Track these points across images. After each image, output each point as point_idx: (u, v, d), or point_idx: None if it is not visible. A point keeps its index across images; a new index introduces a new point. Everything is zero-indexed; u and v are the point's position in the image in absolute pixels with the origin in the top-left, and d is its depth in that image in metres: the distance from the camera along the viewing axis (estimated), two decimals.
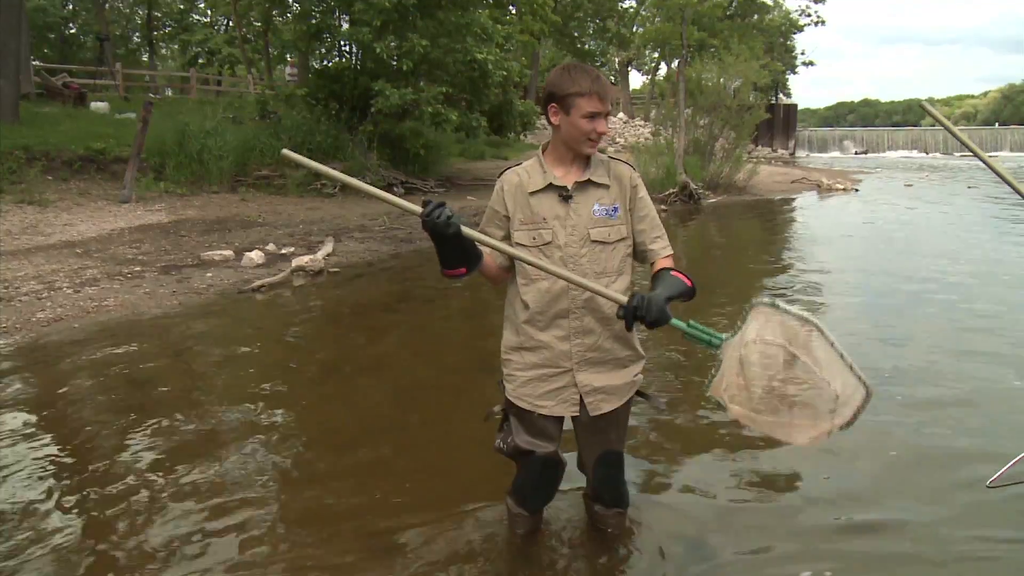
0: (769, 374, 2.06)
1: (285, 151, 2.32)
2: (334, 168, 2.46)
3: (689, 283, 2.34)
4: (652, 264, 2.51)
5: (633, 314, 2.16)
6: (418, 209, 2.20)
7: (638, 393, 2.65)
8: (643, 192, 2.53)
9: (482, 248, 2.38)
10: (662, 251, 2.50)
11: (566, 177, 2.44)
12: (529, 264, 2.36)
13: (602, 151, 2.57)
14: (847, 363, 2.02)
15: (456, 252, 2.29)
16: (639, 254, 2.54)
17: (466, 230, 2.23)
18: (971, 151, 2.80)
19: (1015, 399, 4.59)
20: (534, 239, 2.41)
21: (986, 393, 4.66)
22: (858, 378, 2.02)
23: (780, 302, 2.10)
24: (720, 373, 2.18)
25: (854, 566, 2.83)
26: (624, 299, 2.21)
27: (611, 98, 2.40)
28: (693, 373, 5.09)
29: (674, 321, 2.19)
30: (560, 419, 2.59)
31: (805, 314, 2.06)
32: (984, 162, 2.69)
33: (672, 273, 2.36)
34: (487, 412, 2.74)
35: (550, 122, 2.41)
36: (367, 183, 2.33)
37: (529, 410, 2.54)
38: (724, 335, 2.20)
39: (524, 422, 2.59)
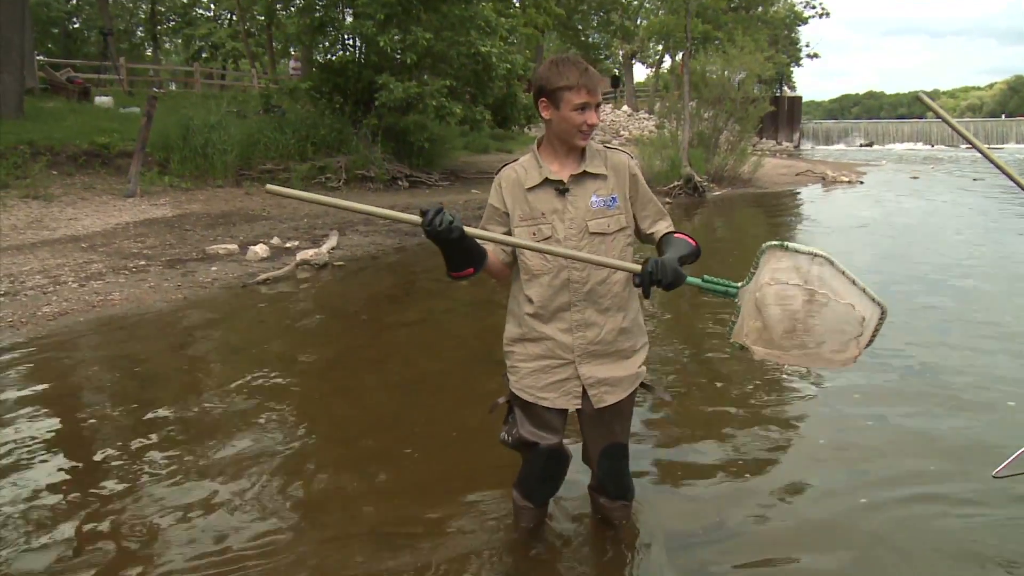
0: (790, 311, 2.14)
1: (269, 187, 2.26)
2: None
3: (694, 243, 2.37)
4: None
5: (650, 279, 2.17)
6: (417, 219, 2.16)
7: (642, 385, 2.64)
8: (641, 179, 2.53)
9: (486, 245, 2.38)
10: (668, 229, 2.50)
11: (562, 171, 2.44)
12: (536, 251, 2.36)
13: (606, 143, 2.57)
14: (860, 287, 2.13)
15: (462, 254, 2.27)
16: (646, 238, 2.54)
17: (468, 230, 2.22)
18: (968, 141, 2.79)
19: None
20: (534, 235, 2.41)
21: (993, 384, 4.66)
22: (872, 299, 2.13)
23: (789, 243, 2.17)
24: (740, 319, 2.25)
25: (860, 557, 2.83)
26: (637, 267, 2.22)
27: (601, 88, 2.39)
28: (697, 364, 5.09)
29: (690, 279, 2.22)
30: (564, 411, 2.59)
31: (813, 249, 2.14)
32: (981, 152, 2.68)
33: (676, 236, 2.39)
34: (492, 404, 2.74)
35: (542, 117, 2.41)
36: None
37: (532, 402, 2.55)
38: (739, 283, 2.25)
39: (528, 414, 2.59)
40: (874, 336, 2.17)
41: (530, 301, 2.48)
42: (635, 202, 2.50)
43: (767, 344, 2.21)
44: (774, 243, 2.18)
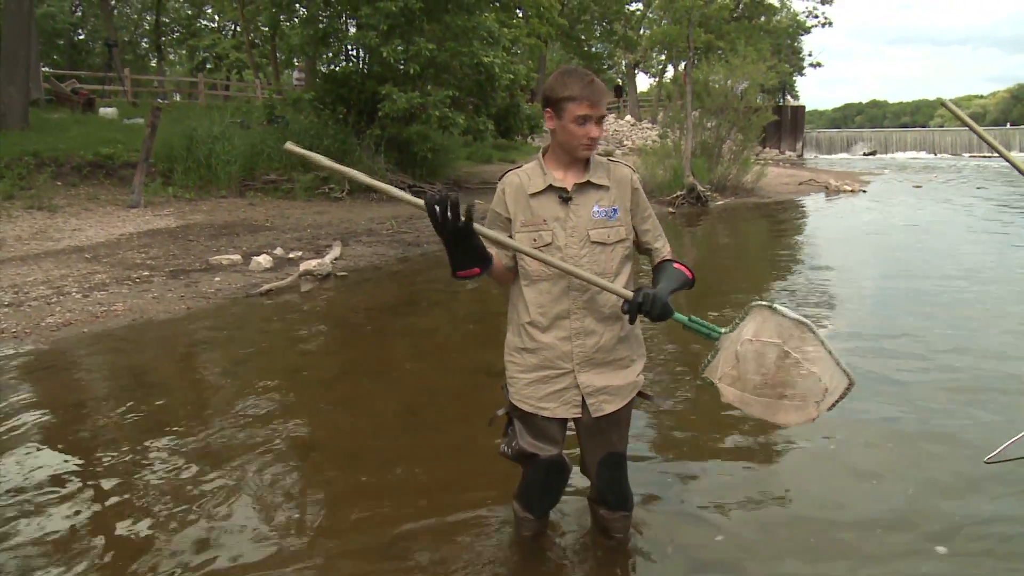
0: (763, 370, 2.24)
1: (288, 144, 2.21)
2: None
3: (690, 275, 2.48)
4: (653, 260, 2.60)
5: (638, 309, 2.26)
6: (421, 203, 2.15)
7: (639, 394, 2.65)
8: (643, 194, 2.56)
9: (491, 249, 2.38)
10: (664, 249, 2.58)
11: (566, 179, 2.45)
12: (537, 259, 2.36)
13: (609, 153, 2.58)
14: (835, 359, 2.22)
15: (468, 251, 2.25)
16: (644, 251, 2.60)
17: (477, 227, 2.22)
18: (993, 147, 2.81)
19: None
20: (534, 240, 2.41)
21: (992, 380, 4.83)
22: (843, 371, 2.22)
23: (778, 305, 2.26)
24: (716, 360, 2.36)
25: (860, 564, 2.82)
26: (630, 294, 2.30)
27: (605, 101, 2.40)
28: (694, 374, 5.08)
29: (676, 315, 2.31)
30: (564, 422, 2.59)
31: (799, 317, 2.23)
32: (1006, 158, 2.70)
33: (675, 266, 2.48)
34: (491, 417, 2.74)
35: (547, 126, 2.43)
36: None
37: (532, 412, 2.55)
38: (723, 329, 2.36)
39: (528, 425, 2.59)
40: (837, 403, 2.26)
41: (527, 309, 2.49)
42: (635, 215, 2.53)
43: (738, 390, 2.32)
44: (763, 303, 2.27)
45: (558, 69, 2.47)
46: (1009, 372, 5.00)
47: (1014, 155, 2.92)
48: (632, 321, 2.35)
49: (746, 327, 2.28)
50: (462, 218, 2.15)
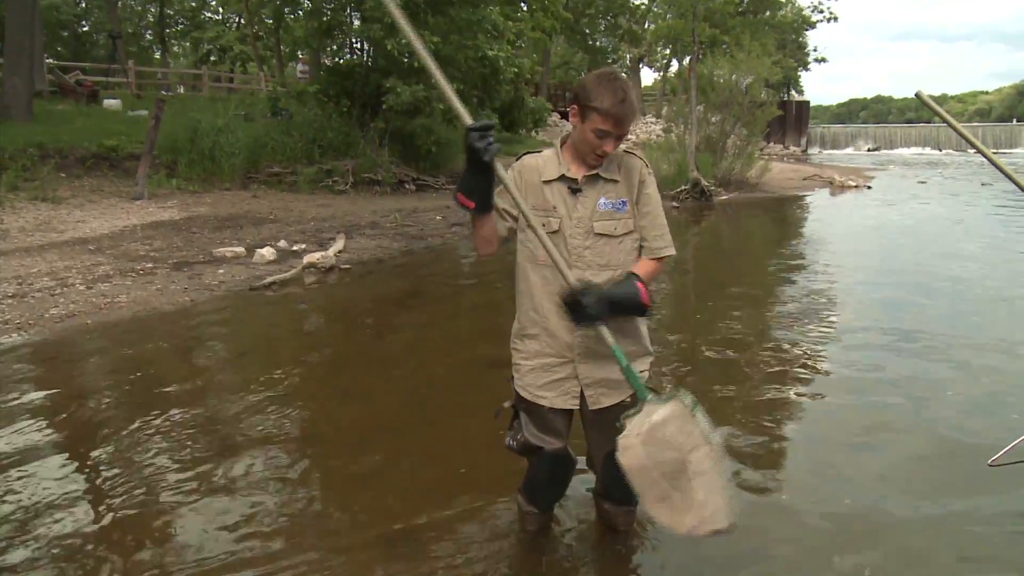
0: (661, 460, 2.17)
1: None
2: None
3: (646, 301, 2.35)
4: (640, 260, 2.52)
5: (572, 300, 2.24)
6: (468, 120, 2.22)
7: None
8: (651, 188, 2.51)
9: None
10: (656, 251, 2.50)
11: (578, 171, 2.45)
12: (528, 224, 2.36)
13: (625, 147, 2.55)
14: (726, 495, 2.18)
15: (479, 182, 2.25)
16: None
17: (499, 170, 2.26)
18: (971, 143, 2.79)
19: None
20: (543, 226, 2.40)
21: (992, 378, 4.81)
22: (728, 507, 2.17)
23: (700, 409, 2.21)
24: (633, 421, 2.24)
25: (860, 563, 2.82)
26: (576, 285, 2.26)
27: (631, 122, 2.35)
28: (702, 369, 5.08)
29: (616, 352, 2.28)
30: (569, 415, 2.59)
31: (711, 432, 2.19)
32: (983, 154, 2.68)
33: (638, 284, 2.36)
34: (497, 409, 2.74)
35: (570, 119, 2.43)
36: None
37: (532, 401, 2.55)
38: (650, 395, 2.28)
39: (533, 418, 2.59)
40: (709, 535, 2.19)
41: (532, 295, 2.50)
42: (638, 208, 2.49)
43: (636, 455, 2.20)
44: (687, 400, 2.21)
45: (601, 71, 2.43)
46: (1018, 369, 4.99)
47: (1020, 151, 2.91)
48: (570, 313, 2.29)
49: (661, 409, 2.21)
50: (491, 148, 2.18)
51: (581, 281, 2.27)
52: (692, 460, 2.15)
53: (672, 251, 2.52)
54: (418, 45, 2.30)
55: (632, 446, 2.20)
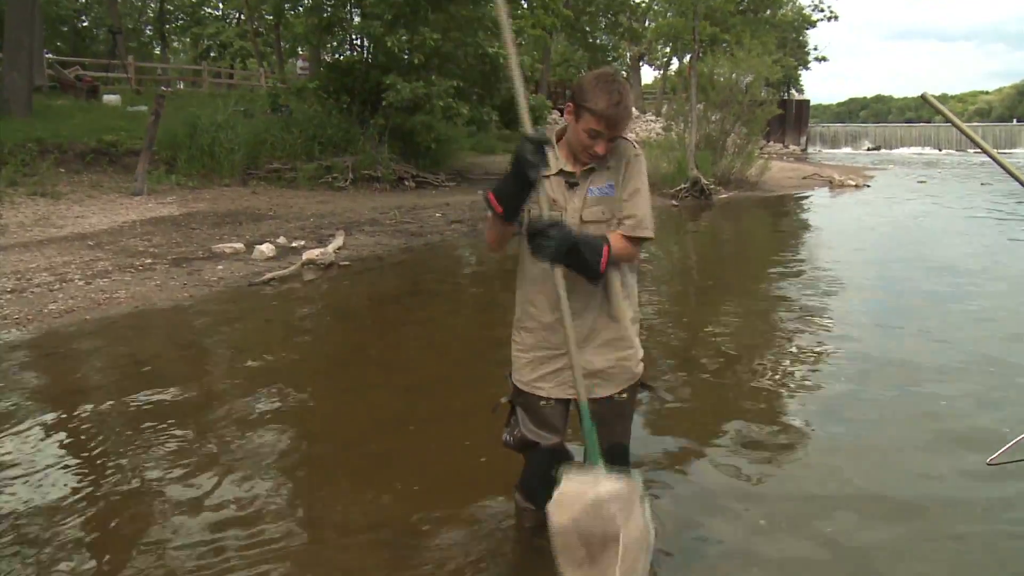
0: (584, 528, 2.15)
1: None
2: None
3: (603, 267, 2.32)
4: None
5: (537, 231, 2.23)
6: (529, 130, 2.22)
7: (642, 385, 2.64)
8: (638, 167, 2.46)
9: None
10: (632, 229, 2.43)
11: (574, 166, 2.45)
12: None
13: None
14: None
15: (516, 196, 2.27)
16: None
17: (542, 190, 2.27)
18: (976, 144, 2.79)
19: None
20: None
21: (991, 378, 4.80)
22: None
23: (648, 500, 2.21)
24: (574, 480, 2.24)
25: (861, 562, 2.83)
26: (548, 218, 2.27)
27: (624, 126, 2.34)
28: (698, 365, 5.08)
29: (583, 408, 2.32)
30: (566, 410, 2.60)
31: (651, 527, 2.18)
32: (987, 152, 2.68)
33: (605, 247, 2.32)
34: (494, 404, 2.74)
35: (566, 115, 2.43)
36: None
37: (529, 392, 2.55)
38: (599, 461, 2.31)
39: (530, 413, 2.59)
40: None
41: (530, 288, 2.51)
42: (624, 185, 2.44)
43: (564, 514, 2.19)
44: (639, 484, 2.20)
45: (600, 72, 2.42)
46: (1018, 364, 5.00)
47: (1020, 151, 2.91)
48: (530, 242, 2.26)
49: (612, 485, 2.18)
50: (541, 167, 2.19)
51: (555, 219, 2.27)
52: (622, 545, 2.12)
53: (650, 234, 2.47)
54: (511, 48, 2.36)
55: (566, 506, 2.18)
